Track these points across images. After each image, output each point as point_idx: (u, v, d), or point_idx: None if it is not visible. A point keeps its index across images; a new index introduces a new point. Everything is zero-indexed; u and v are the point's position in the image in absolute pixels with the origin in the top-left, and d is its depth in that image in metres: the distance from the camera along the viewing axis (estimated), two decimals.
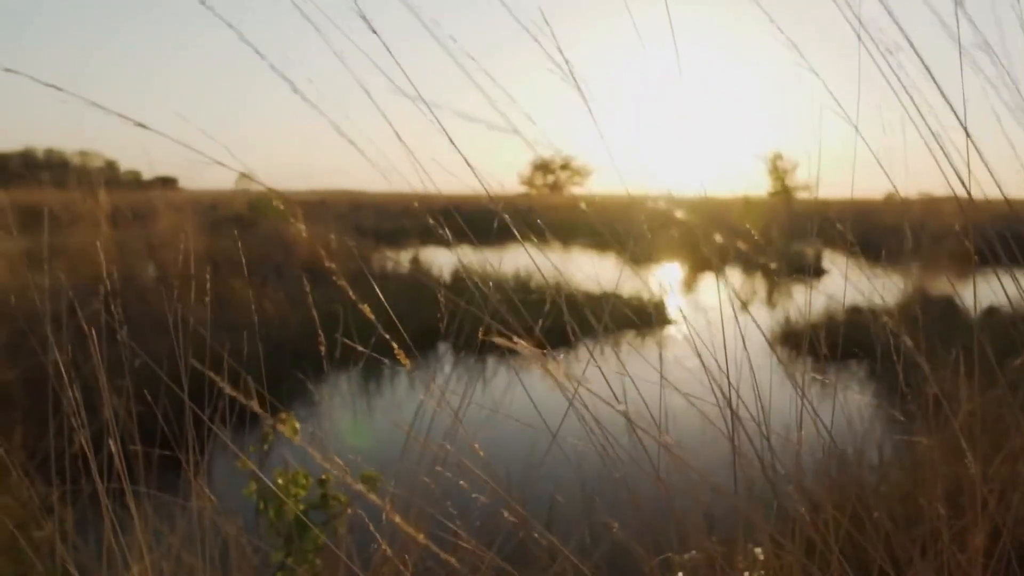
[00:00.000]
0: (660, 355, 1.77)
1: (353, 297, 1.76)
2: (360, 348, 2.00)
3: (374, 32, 1.39)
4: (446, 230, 1.70)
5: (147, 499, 1.94)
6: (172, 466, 2.18)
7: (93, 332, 1.80)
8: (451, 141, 1.50)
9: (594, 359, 1.68)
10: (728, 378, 1.68)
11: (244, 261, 8.02)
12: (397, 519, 1.18)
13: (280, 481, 2.18)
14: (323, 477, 2.28)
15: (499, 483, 1.74)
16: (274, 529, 2.17)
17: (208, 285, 2.13)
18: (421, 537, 1.11)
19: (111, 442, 1.74)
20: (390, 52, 1.38)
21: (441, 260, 12.64)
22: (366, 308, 1.59)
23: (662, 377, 1.76)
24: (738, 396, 1.70)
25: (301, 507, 2.14)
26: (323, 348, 1.93)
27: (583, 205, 1.93)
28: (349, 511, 2.25)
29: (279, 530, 2.16)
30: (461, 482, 1.87)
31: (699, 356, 1.70)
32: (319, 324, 2.01)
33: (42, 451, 3.64)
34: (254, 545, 2.16)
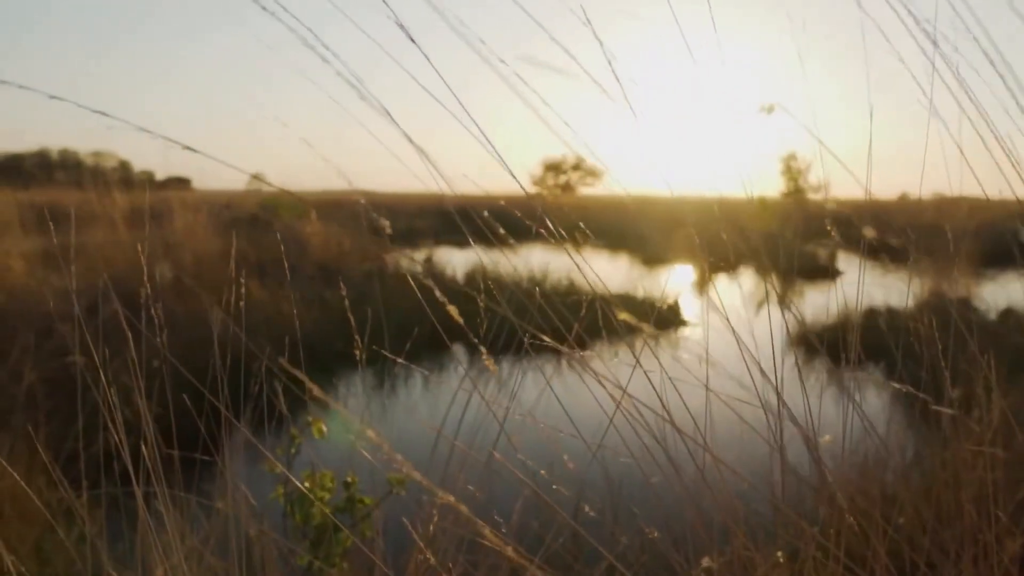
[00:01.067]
0: (703, 357, 1.77)
1: (428, 301, 1.76)
2: (388, 352, 2.02)
3: (412, 41, 1.40)
4: (493, 230, 1.69)
5: (175, 501, 1.95)
6: (186, 467, 2.19)
7: (130, 335, 1.80)
8: (492, 147, 1.50)
9: (639, 363, 1.68)
10: (777, 383, 1.68)
11: (261, 261, 8.03)
12: (488, 532, 1.18)
13: (307, 484, 2.17)
14: (348, 480, 2.28)
15: (539, 488, 1.74)
16: (300, 532, 2.17)
17: (243, 287, 2.14)
18: (510, 550, 1.11)
19: (143, 445, 1.75)
20: (429, 61, 1.39)
21: (456, 260, 12.66)
22: (452, 310, 1.57)
23: (707, 384, 1.76)
24: (782, 400, 1.71)
25: (328, 510, 2.14)
26: (358, 350, 1.93)
27: (622, 206, 1.93)
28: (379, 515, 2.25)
29: (306, 533, 2.15)
30: (492, 484, 1.88)
31: (744, 359, 1.70)
32: (354, 326, 2.01)
33: (64, 453, 3.66)
34: (281, 548, 2.16)
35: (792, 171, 33.09)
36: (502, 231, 1.80)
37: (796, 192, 32.77)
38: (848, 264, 14.77)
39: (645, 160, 1.70)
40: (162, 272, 6.38)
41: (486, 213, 1.84)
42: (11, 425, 3.54)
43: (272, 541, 2.14)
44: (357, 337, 1.98)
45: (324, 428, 2.22)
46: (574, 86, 1.59)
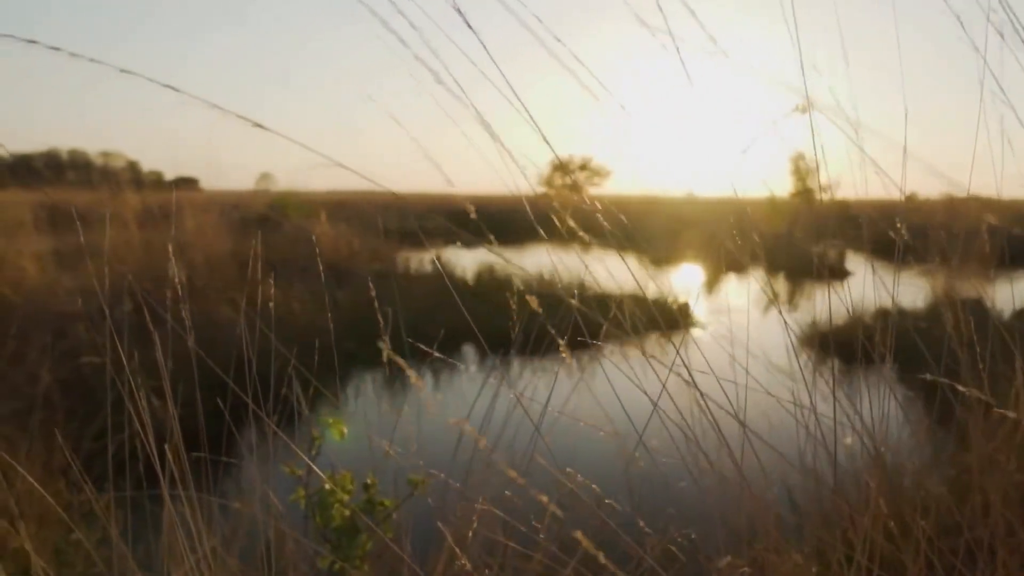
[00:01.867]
0: (733, 357, 1.78)
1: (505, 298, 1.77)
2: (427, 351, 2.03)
3: (473, 32, 1.41)
4: (546, 226, 1.70)
5: (198, 502, 1.96)
6: (204, 467, 2.20)
7: (156, 336, 1.81)
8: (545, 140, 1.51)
9: (682, 356, 1.68)
10: (834, 385, 1.69)
11: (272, 261, 8.06)
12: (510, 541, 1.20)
13: (327, 485, 2.17)
14: (368, 481, 2.27)
15: (574, 488, 1.75)
16: (321, 534, 2.18)
17: (272, 289, 2.15)
18: (541, 554, 1.12)
19: (167, 446, 1.76)
20: (494, 62, 1.40)
21: (465, 260, 12.67)
22: (533, 300, 1.57)
23: (746, 383, 1.77)
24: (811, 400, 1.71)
25: (347, 512, 2.13)
26: (386, 352, 1.94)
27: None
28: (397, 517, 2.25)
29: (326, 535, 2.15)
30: (520, 484, 1.88)
31: (796, 355, 1.71)
32: (384, 325, 2.02)
33: (81, 453, 3.69)
34: (304, 550, 2.16)
35: (801, 171, 32.97)
36: (544, 230, 1.81)
37: (805, 192, 32.67)
38: (857, 265, 14.72)
39: (656, 160, 1.71)
40: (175, 272, 6.39)
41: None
42: (28, 426, 3.56)
43: (295, 542, 2.14)
44: (386, 338, 1.98)
45: (344, 429, 2.22)
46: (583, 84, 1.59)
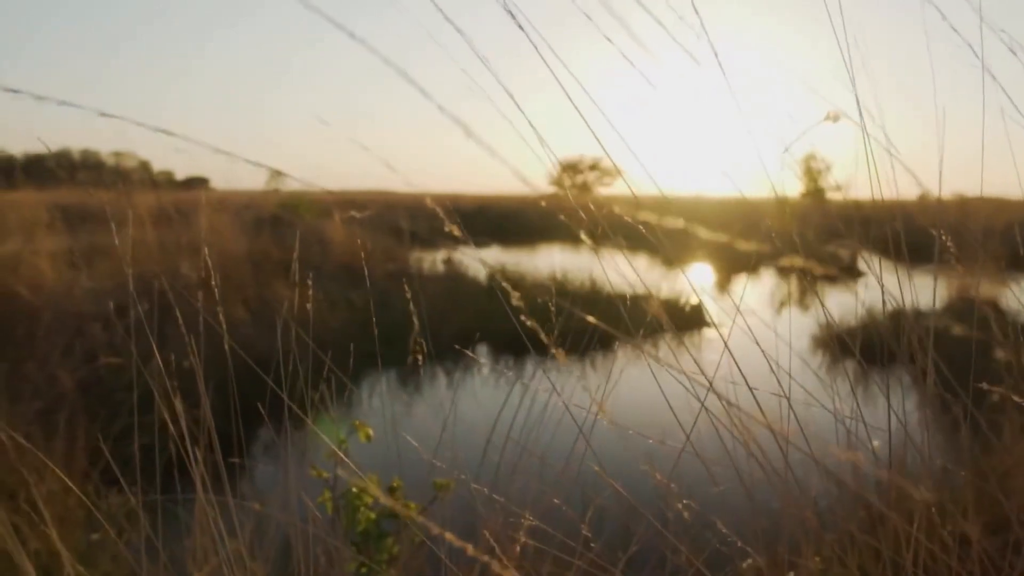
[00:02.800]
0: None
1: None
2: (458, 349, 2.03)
3: (520, 26, 1.42)
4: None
5: (226, 505, 1.96)
6: (220, 470, 2.20)
7: (193, 339, 1.82)
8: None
9: (729, 351, 1.69)
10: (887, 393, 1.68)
11: (286, 261, 8.07)
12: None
13: (353, 489, 2.18)
14: (393, 484, 2.28)
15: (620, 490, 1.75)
16: (347, 537, 2.18)
17: (312, 287, 2.16)
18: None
19: (196, 449, 1.76)
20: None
21: (476, 260, 12.67)
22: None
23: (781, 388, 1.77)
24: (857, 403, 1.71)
25: (372, 516, 2.13)
26: (421, 355, 1.95)
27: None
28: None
29: (352, 538, 2.17)
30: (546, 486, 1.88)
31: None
32: (419, 326, 2.03)
33: (104, 455, 3.71)
34: (331, 554, 2.16)
35: (812, 171, 32.92)
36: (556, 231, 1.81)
37: (816, 192, 32.61)
38: (870, 265, 14.61)
39: (670, 160, 1.71)
40: (190, 272, 6.44)
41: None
42: (52, 426, 3.59)
43: (321, 545, 2.14)
44: (422, 341, 1.99)
45: (371, 432, 2.22)
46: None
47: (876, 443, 2.33)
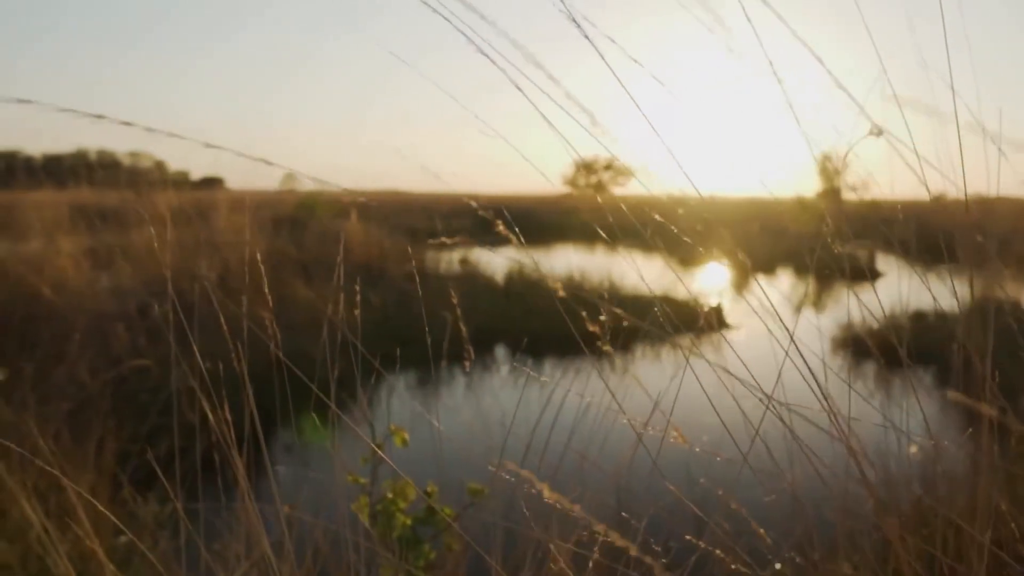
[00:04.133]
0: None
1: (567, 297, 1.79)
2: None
3: (585, 35, 1.43)
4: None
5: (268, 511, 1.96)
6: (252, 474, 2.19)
7: (238, 345, 1.83)
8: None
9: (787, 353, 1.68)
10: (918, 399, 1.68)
11: (304, 262, 8.12)
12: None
13: (390, 494, 2.18)
14: (428, 489, 2.25)
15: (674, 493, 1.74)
16: (383, 544, 2.16)
17: (358, 296, 2.17)
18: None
19: (236, 454, 1.77)
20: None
21: (492, 261, 12.68)
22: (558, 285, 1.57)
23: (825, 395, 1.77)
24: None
25: (408, 521, 2.11)
26: (469, 359, 1.96)
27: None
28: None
29: (388, 544, 2.15)
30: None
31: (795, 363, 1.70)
32: (466, 328, 2.03)
33: (118, 456, 3.74)
34: (367, 560, 2.15)
35: (828, 171, 32.76)
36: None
37: (832, 192, 32.46)
38: (887, 266, 14.56)
39: (687, 159, 1.71)
40: (209, 272, 6.48)
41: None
42: (79, 428, 3.61)
43: (357, 550, 2.13)
44: (469, 346, 1.99)
45: (406, 436, 2.20)
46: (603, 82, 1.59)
47: (913, 448, 2.33)
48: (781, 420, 1.56)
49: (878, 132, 1.53)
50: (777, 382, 1.59)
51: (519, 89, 1.47)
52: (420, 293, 2.21)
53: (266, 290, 1.82)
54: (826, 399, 1.63)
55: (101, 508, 1.83)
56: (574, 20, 1.42)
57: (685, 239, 1.86)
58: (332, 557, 2.16)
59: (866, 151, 1.76)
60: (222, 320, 1.91)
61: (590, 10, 1.56)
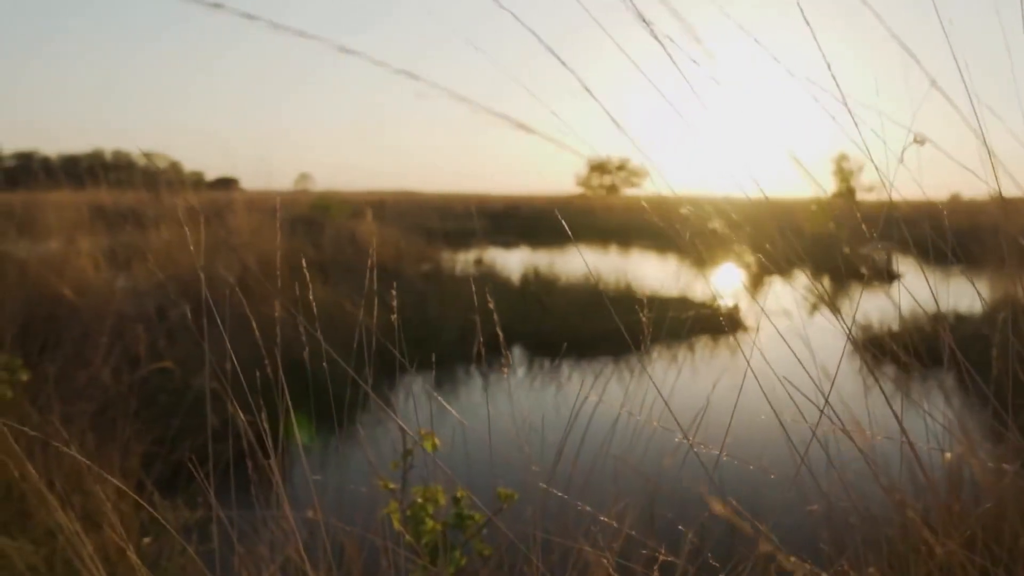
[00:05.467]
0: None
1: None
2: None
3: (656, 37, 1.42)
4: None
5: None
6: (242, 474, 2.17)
7: (276, 355, 1.83)
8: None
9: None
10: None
11: (321, 262, 8.13)
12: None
13: (419, 499, 2.16)
14: (457, 495, 2.20)
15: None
16: (412, 549, 2.13)
17: (394, 299, 2.16)
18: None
19: (273, 460, 1.76)
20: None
21: (507, 260, 12.69)
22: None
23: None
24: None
25: (439, 527, 2.10)
26: (507, 364, 1.94)
27: None
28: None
29: (418, 550, 2.13)
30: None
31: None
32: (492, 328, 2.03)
33: (139, 455, 3.74)
34: (399, 565, 2.13)
35: (844, 172, 32.74)
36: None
37: (847, 193, 32.43)
38: (905, 267, 14.40)
39: (703, 159, 1.70)
40: (228, 272, 6.49)
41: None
42: (103, 429, 3.62)
43: (387, 556, 2.12)
44: (507, 350, 1.98)
45: (437, 442, 2.18)
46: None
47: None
48: (843, 429, 1.55)
49: (922, 140, 1.52)
50: (831, 387, 1.58)
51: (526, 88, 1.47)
52: (440, 292, 2.19)
53: (309, 296, 1.82)
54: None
55: (129, 511, 1.84)
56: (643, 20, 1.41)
57: (704, 239, 1.85)
58: (360, 561, 2.16)
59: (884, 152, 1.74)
60: (253, 324, 1.91)
61: (600, 12, 1.55)
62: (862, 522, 2.17)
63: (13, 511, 2.86)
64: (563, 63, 1.43)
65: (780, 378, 1.62)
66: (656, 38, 1.52)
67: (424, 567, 2.07)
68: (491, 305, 2.02)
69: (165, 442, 3.80)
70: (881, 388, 1.77)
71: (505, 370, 1.94)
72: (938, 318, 1.94)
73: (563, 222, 1.89)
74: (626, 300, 1.84)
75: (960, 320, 6.65)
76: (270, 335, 2.04)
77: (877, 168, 1.59)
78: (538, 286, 10.02)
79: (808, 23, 1.52)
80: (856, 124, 1.59)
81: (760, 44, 1.52)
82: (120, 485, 1.60)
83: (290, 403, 1.83)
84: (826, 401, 1.59)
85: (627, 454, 1.95)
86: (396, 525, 2.08)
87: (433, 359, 2.43)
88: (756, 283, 13.61)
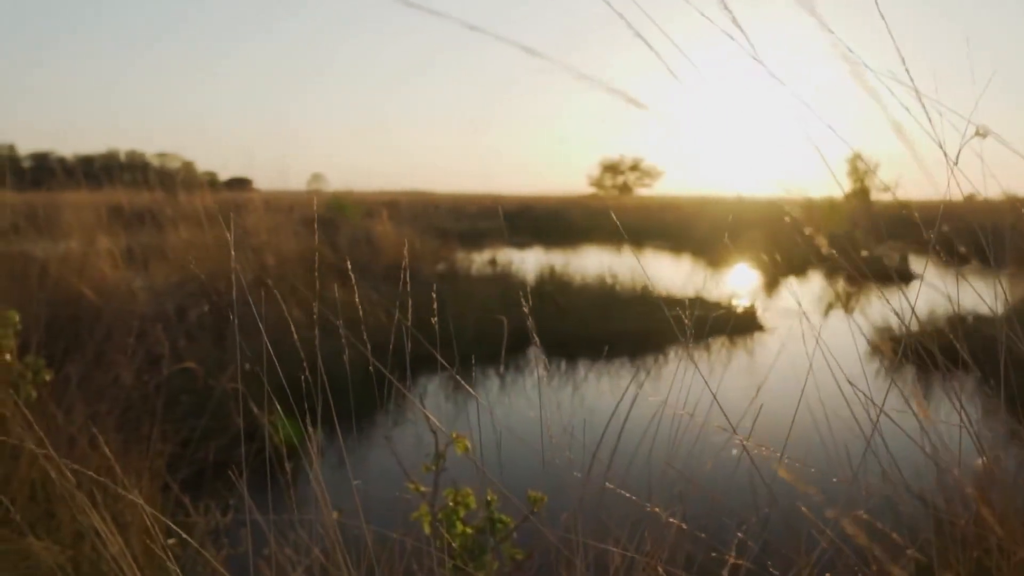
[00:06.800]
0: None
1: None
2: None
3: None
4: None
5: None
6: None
7: (317, 361, 1.82)
8: None
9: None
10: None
11: (337, 263, 8.14)
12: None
13: (451, 502, 2.13)
14: (488, 498, 2.15)
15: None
16: (446, 552, 2.10)
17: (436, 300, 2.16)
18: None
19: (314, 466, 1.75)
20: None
21: (523, 261, 12.68)
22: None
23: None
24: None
25: (471, 530, 2.08)
26: (545, 367, 1.94)
27: None
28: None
29: (451, 554, 2.09)
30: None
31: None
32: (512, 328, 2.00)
33: (167, 459, 3.75)
34: (430, 569, 2.12)
35: (859, 171, 32.61)
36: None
37: (862, 193, 32.34)
38: (920, 268, 14.27)
39: (712, 160, 1.69)
40: (246, 272, 6.50)
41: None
42: (128, 431, 3.62)
43: (417, 559, 2.10)
44: (541, 350, 1.97)
45: (469, 445, 2.16)
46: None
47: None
48: (899, 427, 1.54)
49: (984, 133, 1.49)
50: (888, 391, 1.57)
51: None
52: (457, 293, 2.18)
53: (358, 300, 1.81)
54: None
55: (156, 513, 1.83)
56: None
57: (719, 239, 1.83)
58: (388, 564, 2.15)
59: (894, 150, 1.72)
60: (292, 326, 1.90)
61: (608, 12, 1.54)
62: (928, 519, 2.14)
63: (39, 512, 2.87)
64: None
65: (843, 376, 1.61)
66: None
67: (455, 568, 2.06)
68: (527, 308, 2.00)
69: (189, 443, 3.80)
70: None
71: (543, 371, 1.91)
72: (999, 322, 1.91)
73: (619, 221, 1.88)
74: (665, 300, 1.82)
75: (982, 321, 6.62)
76: (289, 337, 2.03)
77: (946, 156, 1.57)
78: (554, 285, 9.99)
79: (882, 16, 1.50)
80: (929, 119, 1.56)
81: (838, 38, 1.49)
82: (131, 492, 1.59)
83: (330, 402, 1.83)
84: (883, 398, 1.57)
85: (674, 455, 1.93)
86: (427, 529, 2.07)
87: (457, 360, 2.42)
88: (772, 283, 13.60)
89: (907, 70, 1.40)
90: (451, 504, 2.11)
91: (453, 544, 2.08)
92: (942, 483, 2.14)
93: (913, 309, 1.77)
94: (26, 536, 2.66)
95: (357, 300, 2.26)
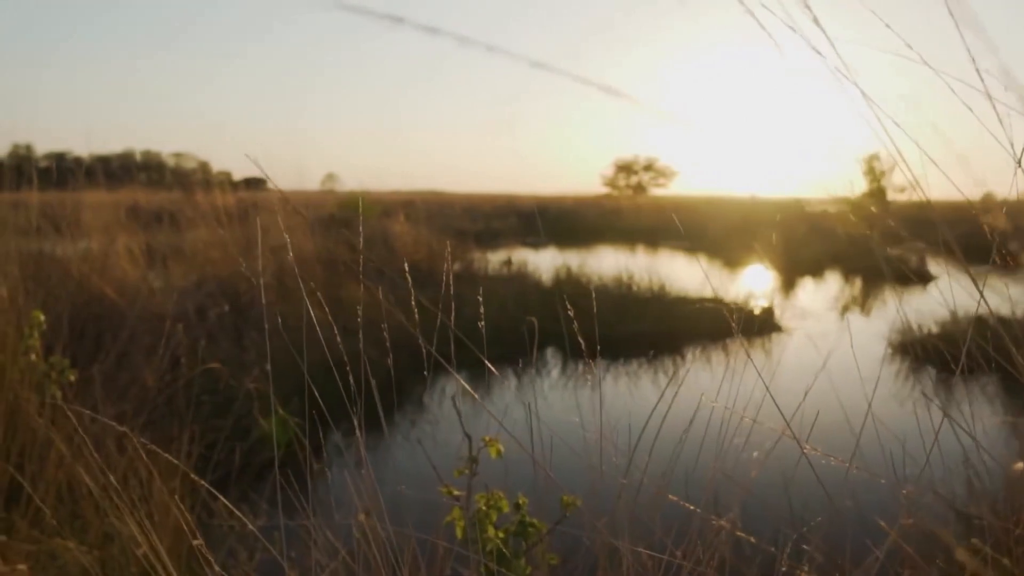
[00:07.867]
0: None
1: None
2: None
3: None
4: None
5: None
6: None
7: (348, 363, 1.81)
8: None
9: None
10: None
11: (352, 262, 8.13)
12: None
13: (483, 506, 2.11)
14: (519, 501, 2.15)
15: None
16: (481, 557, 2.08)
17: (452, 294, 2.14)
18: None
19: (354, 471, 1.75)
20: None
21: (539, 261, 12.66)
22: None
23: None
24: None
25: (501, 534, 2.06)
26: (591, 370, 1.92)
27: None
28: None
29: (483, 559, 2.08)
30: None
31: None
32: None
33: (198, 458, 3.74)
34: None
35: (875, 172, 32.49)
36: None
37: (878, 193, 32.23)
38: (938, 269, 14.24)
39: (725, 162, 1.68)
40: (266, 272, 6.50)
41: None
42: (153, 432, 3.62)
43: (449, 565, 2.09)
44: (589, 346, 1.96)
45: (501, 448, 2.14)
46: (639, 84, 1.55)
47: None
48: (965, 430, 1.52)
49: None
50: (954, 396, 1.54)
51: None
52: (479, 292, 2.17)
53: (414, 302, 1.80)
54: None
55: (187, 515, 1.83)
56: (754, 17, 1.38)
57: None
58: (426, 568, 2.13)
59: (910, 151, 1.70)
60: (334, 328, 1.89)
61: (616, 13, 1.51)
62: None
63: (67, 513, 2.87)
64: None
65: (902, 380, 1.58)
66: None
67: (487, 572, 2.04)
68: (571, 312, 1.98)
69: (215, 445, 3.80)
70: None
71: (591, 373, 1.90)
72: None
73: (639, 221, 1.86)
74: (712, 301, 1.78)
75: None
76: (313, 337, 2.00)
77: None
78: (569, 286, 9.96)
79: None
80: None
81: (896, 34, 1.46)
82: (167, 493, 1.59)
83: (376, 401, 1.81)
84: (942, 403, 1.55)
85: (723, 457, 1.91)
86: (459, 534, 2.05)
87: (487, 360, 2.40)
88: (788, 284, 13.53)
89: (977, 70, 1.37)
90: (483, 508, 2.09)
91: (485, 548, 2.06)
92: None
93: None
94: (54, 537, 2.66)
95: (381, 298, 2.24)
